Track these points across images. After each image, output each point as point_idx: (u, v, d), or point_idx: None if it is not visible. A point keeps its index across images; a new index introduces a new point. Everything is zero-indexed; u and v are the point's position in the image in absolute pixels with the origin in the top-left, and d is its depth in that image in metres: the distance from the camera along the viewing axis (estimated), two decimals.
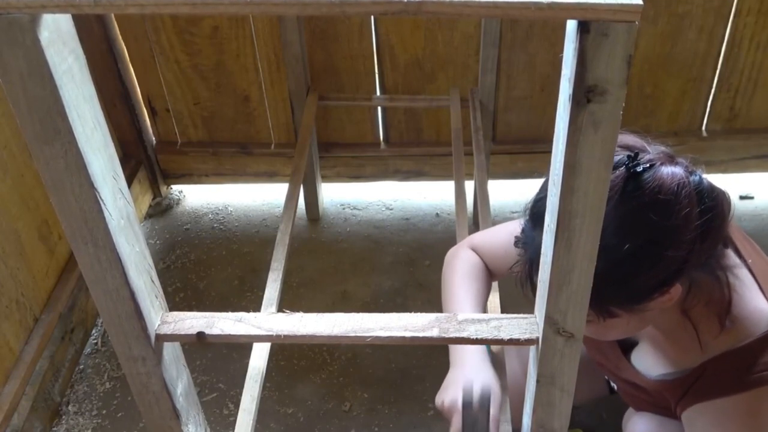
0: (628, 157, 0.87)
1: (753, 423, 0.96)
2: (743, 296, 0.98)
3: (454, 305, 1.15)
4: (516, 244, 0.98)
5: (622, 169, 0.86)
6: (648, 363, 1.10)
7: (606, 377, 1.26)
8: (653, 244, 0.86)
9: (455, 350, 1.13)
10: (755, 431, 0.96)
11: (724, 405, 0.98)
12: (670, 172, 0.87)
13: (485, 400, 1.00)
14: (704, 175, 0.91)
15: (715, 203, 0.90)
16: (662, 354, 1.07)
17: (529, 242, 0.94)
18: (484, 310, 1.17)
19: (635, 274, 0.88)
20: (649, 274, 0.88)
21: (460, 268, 1.20)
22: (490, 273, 1.22)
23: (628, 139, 0.92)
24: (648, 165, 0.86)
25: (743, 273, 1.01)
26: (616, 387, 1.23)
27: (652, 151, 0.90)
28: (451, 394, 1.06)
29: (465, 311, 1.13)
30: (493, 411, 1.01)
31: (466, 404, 1.00)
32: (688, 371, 1.02)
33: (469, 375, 1.05)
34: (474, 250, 1.23)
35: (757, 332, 0.96)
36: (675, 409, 1.07)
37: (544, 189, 0.95)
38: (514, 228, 1.03)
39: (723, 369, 0.98)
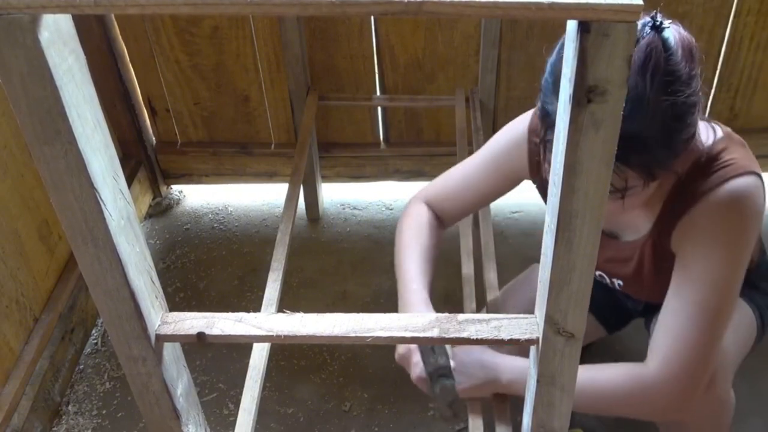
0: (651, 18, 0.91)
1: (733, 216, 1.01)
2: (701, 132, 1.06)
3: (401, 267, 1.22)
4: (539, 116, 1.00)
5: (651, 33, 0.90)
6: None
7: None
8: (690, 93, 0.91)
9: (402, 306, 1.19)
10: (738, 225, 1.02)
11: (700, 212, 1.03)
12: (670, 25, 0.93)
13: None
14: None
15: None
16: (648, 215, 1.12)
17: (549, 103, 0.95)
18: (431, 266, 1.23)
19: (679, 128, 0.93)
20: (688, 124, 0.93)
21: (407, 228, 1.27)
22: (440, 224, 1.29)
23: None
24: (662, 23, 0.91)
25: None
26: (621, 284, 1.25)
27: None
28: (403, 346, 1.15)
29: (410, 272, 1.20)
30: None
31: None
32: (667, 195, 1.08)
33: None
34: (426, 201, 1.30)
35: (708, 142, 1.06)
36: (671, 246, 1.09)
37: (559, 52, 0.96)
38: (468, 164, 1.24)
39: (691, 180, 1.04)
